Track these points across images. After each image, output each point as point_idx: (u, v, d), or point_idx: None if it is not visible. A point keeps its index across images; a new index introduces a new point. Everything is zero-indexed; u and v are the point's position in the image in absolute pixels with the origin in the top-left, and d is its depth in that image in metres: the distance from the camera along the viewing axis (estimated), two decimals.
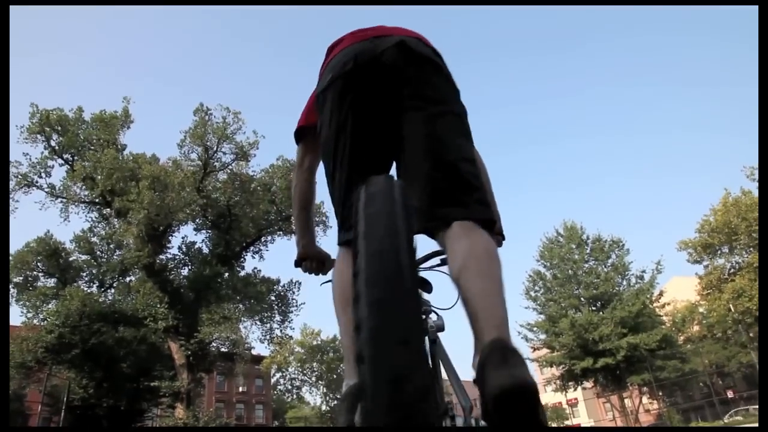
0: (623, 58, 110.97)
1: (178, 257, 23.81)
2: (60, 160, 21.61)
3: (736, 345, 32.28)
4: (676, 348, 32.10)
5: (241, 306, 23.73)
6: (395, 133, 1.30)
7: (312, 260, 1.74)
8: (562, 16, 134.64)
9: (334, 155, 1.34)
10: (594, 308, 31.19)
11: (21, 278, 23.43)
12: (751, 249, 28.03)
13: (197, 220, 23.52)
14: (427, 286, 1.74)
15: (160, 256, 22.19)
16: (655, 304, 31.26)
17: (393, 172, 1.38)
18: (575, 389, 34.36)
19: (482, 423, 0.97)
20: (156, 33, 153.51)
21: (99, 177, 20.37)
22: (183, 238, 30.70)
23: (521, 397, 0.75)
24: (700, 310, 34.68)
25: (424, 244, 1.26)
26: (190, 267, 23.75)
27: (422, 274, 1.77)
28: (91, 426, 22.01)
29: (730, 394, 34.31)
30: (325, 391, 41.43)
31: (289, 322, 24.72)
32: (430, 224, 1.16)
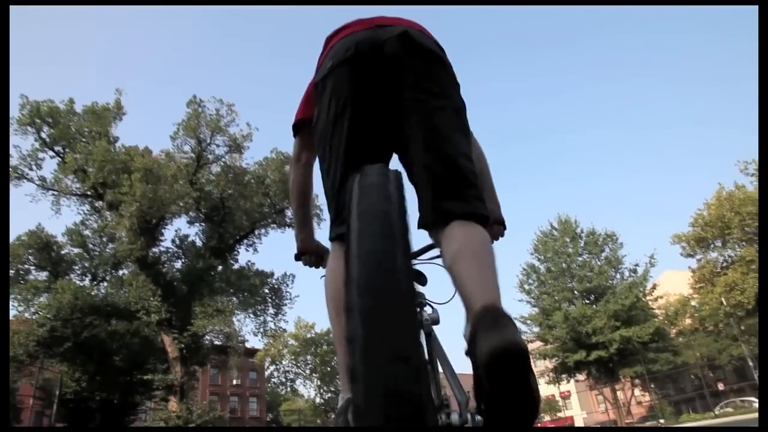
0: (618, 52, 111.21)
1: (171, 250, 23.74)
2: (51, 152, 21.41)
3: (727, 338, 32.57)
4: (668, 341, 32.34)
5: (234, 299, 23.68)
6: (394, 124, 1.28)
7: (311, 254, 1.75)
8: (557, 13, 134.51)
9: (329, 144, 1.31)
10: (587, 301, 31.36)
11: (12, 271, 23.20)
12: (744, 243, 28.22)
13: (190, 213, 23.41)
14: (422, 278, 1.70)
15: (153, 249, 22.08)
16: (648, 298, 31.48)
17: (391, 166, 1.33)
18: (568, 382, 34.63)
19: (478, 418, 0.97)
20: (149, 25, 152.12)
21: (90, 169, 20.20)
22: (176, 230, 30.80)
23: (512, 358, 0.75)
24: (693, 303, 34.94)
25: (419, 236, 1.26)
26: (183, 260, 23.68)
27: (417, 266, 1.73)
28: (85, 421, 21.94)
29: (720, 386, 34.66)
30: (319, 383, 41.48)
31: (283, 314, 24.77)
32: (431, 220, 1.17)
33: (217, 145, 22.55)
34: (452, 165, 1.20)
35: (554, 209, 70.84)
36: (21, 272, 23.61)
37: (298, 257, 1.75)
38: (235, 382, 47.55)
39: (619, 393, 33.06)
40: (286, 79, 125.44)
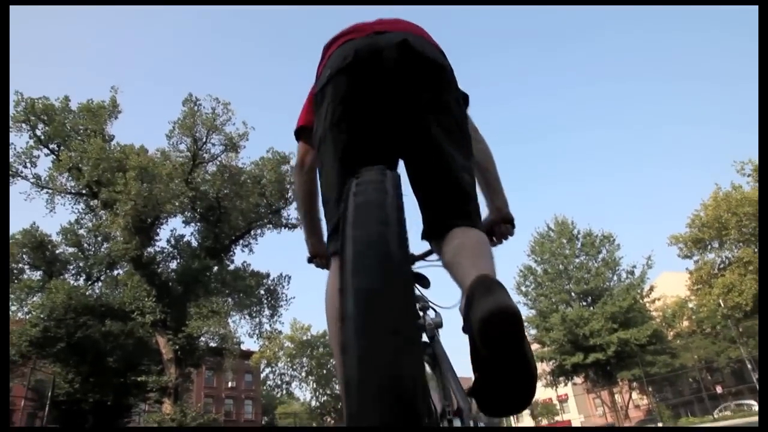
0: (614, 52, 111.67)
1: (166, 250, 23.50)
2: (46, 150, 21.19)
3: (725, 340, 32.51)
4: (666, 343, 32.29)
5: (230, 300, 23.45)
6: (393, 134, 1.27)
7: (322, 257, 1.76)
8: (553, 13, 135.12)
9: (327, 152, 1.29)
10: (584, 303, 31.29)
11: None
12: (741, 244, 28.16)
13: (186, 213, 23.21)
14: (425, 281, 1.63)
15: (148, 249, 21.86)
16: (645, 300, 31.44)
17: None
18: (566, 385, 34.50)
19: (480, 424, 0.97)
20: (146, 24, 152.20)
21: (85, 167, 19.99)
22: (171, 230, 30.65)
23: (506, 320, 0.76)
24: (690, 305, 34.87)
25: (421, 242, 1.29)
26: (178, 260, 23.45)
27: (420, 270, 1.67)
28: (78, 422, 21.74)
29: (718, 389, 34.59)
30: (315, 386, 41.26)
31: (279, 316, 24.55)
32: (433, 234, 1.20)
33: (213, 144, 22.37)
34: (452, 181, 1.21)
35: (551, 210, 70.93)
36: (15, 271, 23.41)
37: (310, 260, 1.80)
38: (230, 384, 47.25)
39: (616, 396, 32.94)
40: (283, 78, 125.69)
